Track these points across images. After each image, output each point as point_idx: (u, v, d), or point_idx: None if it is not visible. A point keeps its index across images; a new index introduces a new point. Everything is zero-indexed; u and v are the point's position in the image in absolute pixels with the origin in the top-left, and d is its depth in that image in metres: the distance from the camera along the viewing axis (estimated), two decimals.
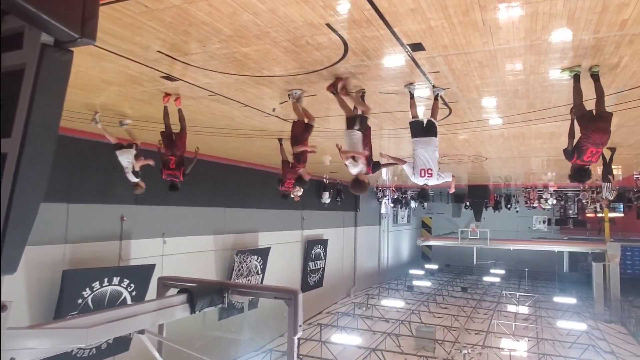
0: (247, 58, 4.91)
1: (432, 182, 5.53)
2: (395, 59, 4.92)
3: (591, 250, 23.20)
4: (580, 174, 5.25)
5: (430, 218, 36.06)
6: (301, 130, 6.27)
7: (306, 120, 6.29)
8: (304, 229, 18.73)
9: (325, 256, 20.11)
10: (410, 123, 5.65)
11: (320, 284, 19.87)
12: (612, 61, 4.80)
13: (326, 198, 18.76)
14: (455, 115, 7.55)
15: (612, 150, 9.90)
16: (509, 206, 27.25)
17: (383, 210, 28.46)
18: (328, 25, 4.03)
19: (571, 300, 22.36)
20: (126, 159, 7.71)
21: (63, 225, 9.14)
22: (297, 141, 6.33)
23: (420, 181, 5.53)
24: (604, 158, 10.15)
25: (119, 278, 9.87)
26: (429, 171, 5.41)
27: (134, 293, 10.10)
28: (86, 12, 1.65)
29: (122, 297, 9.96)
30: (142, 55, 4.86)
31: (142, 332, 3.12)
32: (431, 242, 29.34)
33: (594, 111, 4.91)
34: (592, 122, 4.87)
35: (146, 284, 10.21)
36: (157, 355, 3.53)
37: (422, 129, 5.53)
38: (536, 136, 9.36)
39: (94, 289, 9.38)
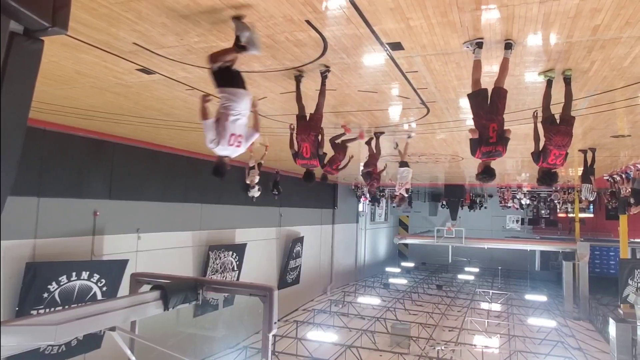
0: None
1: None
2: (374, 58, 4.94)
3: (562, 249, 23.81)
4: (548, 177, 5.36)
5: (408, 216, 36.44)
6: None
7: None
8: (282, 225, 18.69)
9: (301, 253, 20.10)
10: None
11: (298, 281, 19.88)
12: (584, 65, 4.92)
13: (255, 191, 15.12)
14: (433, 115, 7.64)
15: (593, 151, 10.14)
16: (484, 205, 28.28)
17: (360, 209, 28.61)
18: (308, 22, 4.02)
19: (542, 298, 22.95)
20: None
21: (33, 219, 8.90)
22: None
23: None
24: (585, 160, 10.45)
25: (88, 272, 9.61)
26: None
27: (104, 288, 9.86)
28: (58, 1, 1.61)
29: (92, 293, 9.71)
30: (118, 46, 4.76)
31: (113, 329, 3.06)
32: (408, 240, 29.65)
33: (559, 115, 5.04)
34: (554, 125, 5.00)
35: (118, 279, 10.00)
36: (129, 352, 3.47)
37: None
38: (511, 137, 9.52)
39: (61, 283, 9.12)
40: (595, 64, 4.87)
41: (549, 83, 5.15)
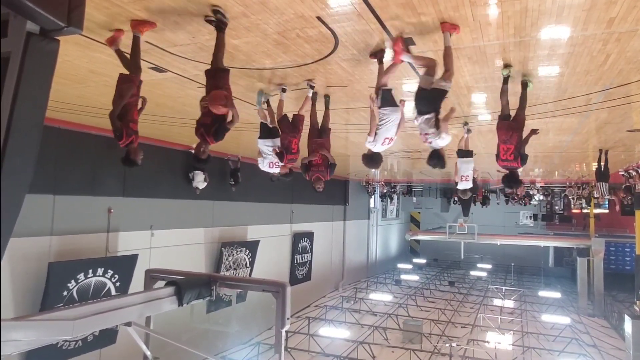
0: (237, 50, 4.87)
1: None
2: (385, 53, 4.92)
3: (576, 245, 23.54)
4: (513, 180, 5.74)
5: (419, 213, 36.25)
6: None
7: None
8: (293, 222, 18.73)
9: (311, 249, 20.09)
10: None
11: (309, 278, 19.90)
12: (600, 59, 4.85)
13: (199, 181, 12.46)
14: (445, 111, 7.55)
15: (605, 153, 10.11)
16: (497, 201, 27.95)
17: (372, 205, 28.52)
18: (319, 18, 4.02)
19: (556, 295, 22.70)
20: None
21: (49, 217, 9.03)
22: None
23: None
24: (599, 159, 10.43)
25: (103, 269, 9.80)
26: None
27: (118, 284, 10.06)
28: (73, 0, 1.63)
29: (107, 288, 9.90)
30: (130, 45, 4.79)
31: (129, 324, 3.10)
32: (419, 237, 29.54)
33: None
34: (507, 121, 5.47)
35: (129, 274, 10.15)
36: (144, 347, 3.51)
37: None
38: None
39: (79, 281, 9.30)
40: (611, 57, 4.79)
41: (505, 81, 5.33)
